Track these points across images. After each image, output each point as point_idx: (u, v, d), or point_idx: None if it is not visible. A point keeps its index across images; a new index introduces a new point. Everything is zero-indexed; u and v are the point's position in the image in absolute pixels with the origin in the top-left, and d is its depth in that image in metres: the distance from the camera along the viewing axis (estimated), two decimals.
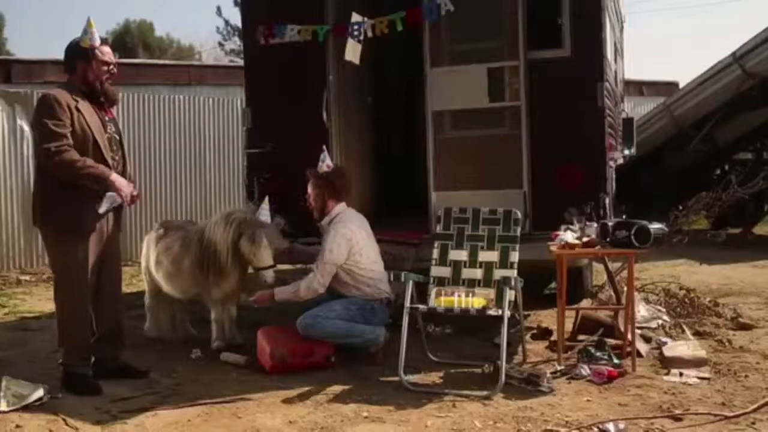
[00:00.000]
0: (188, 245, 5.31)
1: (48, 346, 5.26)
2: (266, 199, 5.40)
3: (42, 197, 4.45)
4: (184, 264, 5.31)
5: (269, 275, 5.08)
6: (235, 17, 28.39)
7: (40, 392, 4.24)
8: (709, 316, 5.93)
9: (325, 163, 5.21)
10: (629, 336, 4.77)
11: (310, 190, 5.14)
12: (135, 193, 4.54)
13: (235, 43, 27.32)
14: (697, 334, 5.44)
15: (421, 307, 4.71)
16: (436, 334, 5.50)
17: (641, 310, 5.66)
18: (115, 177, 4.36)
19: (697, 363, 4.65)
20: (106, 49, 4.48)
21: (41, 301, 7.55)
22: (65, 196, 4.31)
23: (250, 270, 5.26)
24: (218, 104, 11.36)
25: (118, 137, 4.58)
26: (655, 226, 4.65)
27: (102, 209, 4.38)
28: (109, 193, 4.36)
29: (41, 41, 50.73)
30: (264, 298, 5.06)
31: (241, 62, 8.34)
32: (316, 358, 4.80)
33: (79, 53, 4.43)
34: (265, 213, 5.28)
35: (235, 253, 5.11)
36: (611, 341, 4.96)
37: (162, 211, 10.44)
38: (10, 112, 9.24)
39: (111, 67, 4.47)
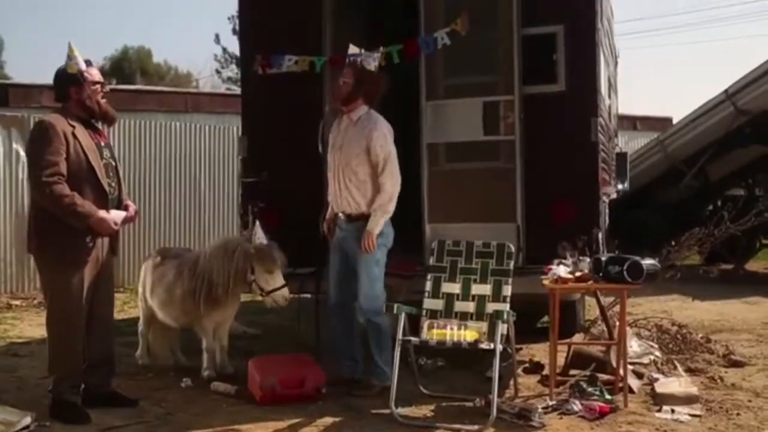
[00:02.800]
0: (181, 275, 5.31)
1: (37, 373, 5.22)
2: (257, 222, 5.38)
3: (37, 224, 4.43)
4: (176, 292, 5.29)
5: (284, 295, 5.06)
6: (233, 45, 28.59)
7: (27, 420, 4.20)
8: (701, 352, 5.93)
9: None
10: (621, 371, 4.75)
11: (345, 77, 4.98)
12: (131, 214, 4.58)
13: (233, 70, 27.45)
14: (689, 371, 5.43)
15: (413, 339, 4.70)
16: (428, 367, 5.47)
17: (633, 346, 5.65)
18: (99, 217, 4.29)
19: (688, 400, 4.64)
20: (94, 70, 4.53)
21: (32, 326, 7.50)
22: (61, 224, 4.30)
23: (257, 295, 5.22)
24: (214, 132, 11.38)
25: (113, 163, 4.58)
26: (647, 262, 4.67)
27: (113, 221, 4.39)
28: (116, 212, 4.39)
29: (40, 65, 50.91)
30: (372, 241, 4.84)
31: (238, 90, 8.39)
32: (307, 389, 4.78)
33: (69, 79, 4.45)
34: (261, 235, 5.25)
35: (236, 283, 5.10)
36: (603, 376, 4.94)
37: (156, 238, 10.41)
38: (6, 135, 9.26)
39: (103, 86, 4.50)
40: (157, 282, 5.44)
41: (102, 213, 4.33)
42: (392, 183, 4.91)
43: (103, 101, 4.48)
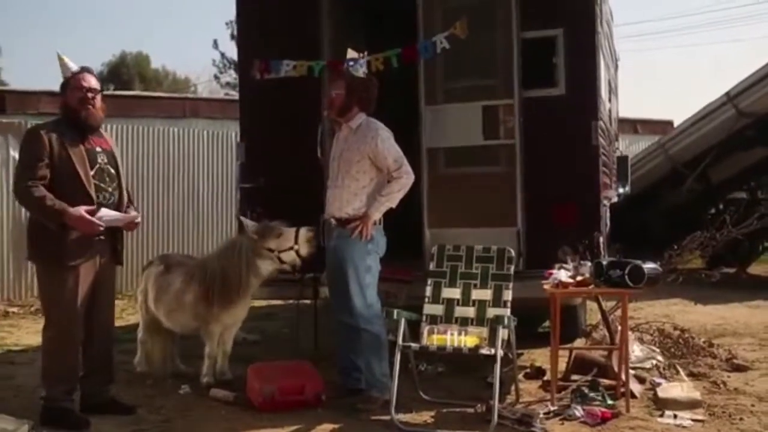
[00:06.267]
0: (191, 280, 5.33)
1: (34, 381, 5.20)
2: (241, 218, 5.47)
3: (33, 230, 4.46)
4: (187, 298, 5.31)
5: (308, 233, 5.13)
6: (232, 50, 28.65)
7: (24, 428, 4.21)
8: (703, 356, 5.92)
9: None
10: (623, 376, 4.75)
11: (337, 88, 4.98)
12: (137, 220, 4.62)
13: (231, 76, 27.53)
14: (692, 375, 5.42)
15: (414, 345, 4.69)
16: (428, 373, 5.47)
17: (635, 350, 5.64)
18: (75, 215, 4.25)
19: (691, 405, 4.64)
20: (83, 75, 4.54)
21: (29, 334, 7.50)
22: (51, 232, 4.31)
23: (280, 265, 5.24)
24: (213, 137, 11.42)
25: (113, 169, 4.58)
26: (649, 266, 4.67)
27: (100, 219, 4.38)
28: (102, 210, 4.37)
29: (38, 71, 50.97)
30: (368, 226, 4.81)
31: (236, 95, 8.41)
32: (307, 397, 4.77)
33: (61, 86, 4.57)
34: (249, 223, 5.34)
35: (248, 275, 5.15)
36: (605, 381, 4.95)
37: (154, 245, 10.44)
38: (2, 142, 9.30)
39: (85, 92, 4.48)
40: (163, 290, 5.44)
41: (80, 211, 4.27)
42: (408, 177, 4.90)
43: (88, 108, 4.48)
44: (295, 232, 5.16)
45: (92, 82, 4.55)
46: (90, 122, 4.52)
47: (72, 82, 4.50)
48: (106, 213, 4.41)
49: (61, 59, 4.53)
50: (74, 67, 4.54)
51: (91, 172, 4.43)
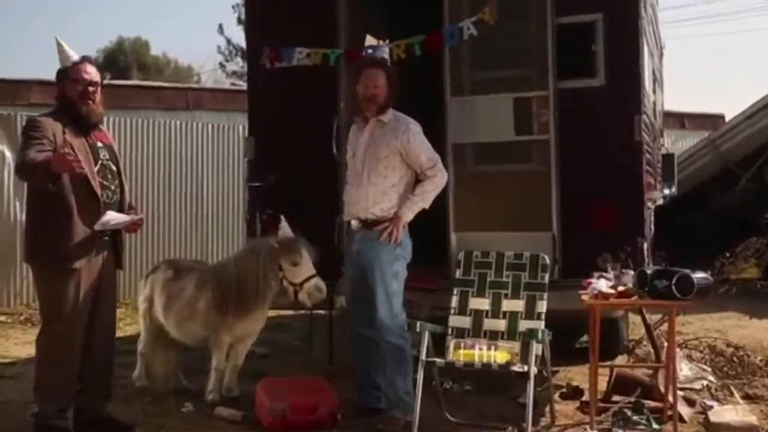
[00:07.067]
0: (203, 286, 5.38)
1: (24, 396, 5.25)
2: (282, 218, 5.40)
3: (30, 229, 4.53)
4: (199, 305, 5.35)
5: (319, 283, 5.11)
6: (239, 36, 28.77)
7: None
8: (760, 377, 5.88)
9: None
10: (670, 398, 4.74)
11: (376, 81, 4.93)
12: (140, 222, 4.66)
13: (238, 64, 27.67)
14: (747, 398, 5.39)
15: (438, 360, 4.69)
16: (454, 392, 5.48)
17: (683, 369, 5.62)
18: (57, 155, 4.23)
19: (746, 430, 4.61)
20: (83, 66, 4.56)
21: (18, 345, 7.58)
22: (54, 229, 4.36)
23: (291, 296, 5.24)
24: (218, 131, 11.44)
25: (115, 166, 4.65)
26: (698, 275, 4.64)
27: (97, 226, 4.41)
28: (109, 214, 4.42)
29: (29, 58, 51.48)
30: (398, 229, 4.84)
31: (243, 85, 8.47)
32: (321, 416, 4.79)
33: (57, 76, 4.59)
34: (287, 229, 5.29)
35: (265, 286, 5.17)
36: (650, 403, 4.92)
37: (154, 248, 10.48)
38: None
39: (86, 85, 4.52)
40: (174, 297, 5.48)
41: (61, 151, 4.28)
42: (442, 176, 4.95)
43: (88, 102, 4.52)
44: (310, 274, 5.12)
45: (94, 74, 4.58)
46: (90, 119, 4.57)
47: (72, 72, 4.53)
48: (112, 216, 4.48)
49: (60, 45, 4.56)
50: (74, 56, 4.57)
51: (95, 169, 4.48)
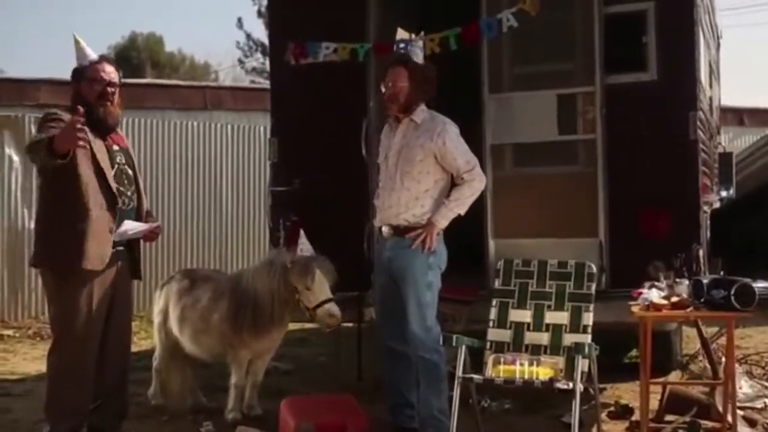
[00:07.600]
0: (219, 298, 5.43)
1: (34, 415, 5.33)
2: (301, 231, 5.43)
3: (40, 232, 4.58)
4: (213, 318, 5.40)
5: (332, 309, 5.11)
6: (259, 30, 29.02)
7: None
8: None
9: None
10: (729, 418, 4.70)
11: (397, 78, 4.96)
12: (158, 230, 4.74)
13: (258, 60, 27.91)
14: None
15: (476, 377, 4.69)
16: (493, 410, 5.49)
17: (743, 387, 5.59)
18: (60, 130, 4.22)
19: None
20: (102, 65, 4.60)
21: (26, 360, 7.67)
22: (66, 232, 4.40)
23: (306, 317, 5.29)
24: (238, 133, 11.52)
25: (131, 171, 4.70)
26: (760, 285, 4.60)
27: (115, 237, 4.47)
28: (127, 223, 4.48)
29: (38, 56, 52.05)
30: (432, 236, 4.85)
31: (265, 83, 8.53)
32: None
33: (73, 75, 4.64)
34: (307, 247, 5.30)
35: (280, 304, 5.20)
36: (707, 423, 4.90)
37: (170, 257, 10.58)
38: None
39: (105, 86, 4.56)
40: (188, 309, 5.53)
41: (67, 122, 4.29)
42: (481, 181, 4.96)
43: (107, 104, 4.57)
44: (324, 299, 5.12)
45: (112, 74, 4.62)
46: (107, 121, 4.62)
47: (89, 72, 4.57)
48: (130, 226, 4.54)
49: (78, 43, 4.60)
50: (93, 55, 4.61)
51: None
